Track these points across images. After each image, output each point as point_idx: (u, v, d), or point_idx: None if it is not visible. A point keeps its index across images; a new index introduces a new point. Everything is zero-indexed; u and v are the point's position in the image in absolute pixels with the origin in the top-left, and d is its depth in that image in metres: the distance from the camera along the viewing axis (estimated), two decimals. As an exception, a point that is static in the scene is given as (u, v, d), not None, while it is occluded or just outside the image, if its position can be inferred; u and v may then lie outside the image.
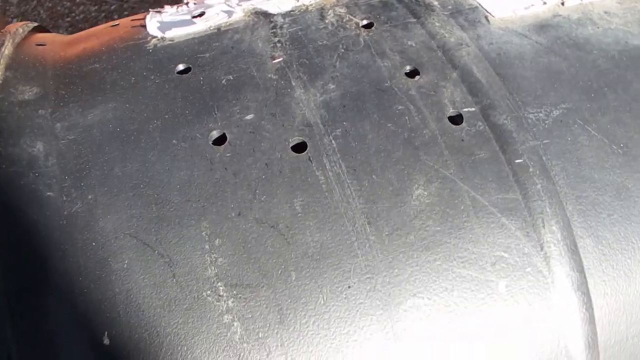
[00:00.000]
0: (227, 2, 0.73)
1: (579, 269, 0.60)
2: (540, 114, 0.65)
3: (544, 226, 0.60)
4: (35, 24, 0.81)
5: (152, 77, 0.65)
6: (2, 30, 0.71)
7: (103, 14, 2.98)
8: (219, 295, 0.53)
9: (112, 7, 3.01)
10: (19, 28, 0.74)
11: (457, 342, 0.57)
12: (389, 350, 0.55)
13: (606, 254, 0.61)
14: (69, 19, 2.98)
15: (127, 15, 2.98)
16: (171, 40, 0.70)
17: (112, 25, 0.76)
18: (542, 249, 0.59)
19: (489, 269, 0.57)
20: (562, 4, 0.75)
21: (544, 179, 0.62)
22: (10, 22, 2.63)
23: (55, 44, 0.74)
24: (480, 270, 0.57)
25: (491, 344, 0.58)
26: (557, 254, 0.60)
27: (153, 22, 0.71)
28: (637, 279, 0.62)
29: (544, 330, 0.59)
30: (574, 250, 0.60)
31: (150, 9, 0.76)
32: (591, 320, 0.60)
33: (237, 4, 0.72)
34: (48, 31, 0.86)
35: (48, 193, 0.55)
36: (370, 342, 0.54)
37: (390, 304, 0.55)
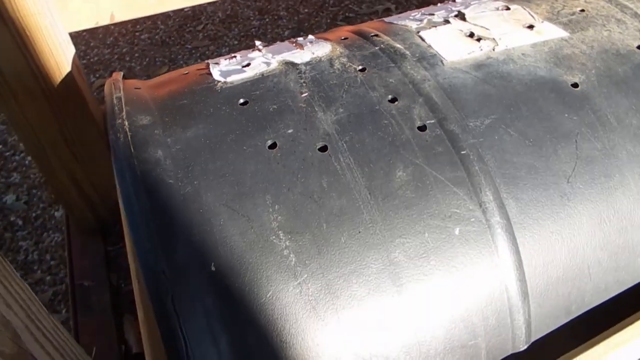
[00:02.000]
0: (265, 56, 0.99)
1: (506, 218, 0.77)
2: (477, 123, 0.83)
3: (481, 192, 0.78)
4: (122, 73, 1.10)
5: (224, 108, 0.85)
6: (114, 79, 0.99)
7: (116, 56, 3.27)
8: (280, 239, 0.71)
9: (124, 50, 3.31)
10: (118, 78, 1.04)
11: (429, 267, 0.73)
12: (386, 271, 0.71)
13: (523, 209, 0.78)
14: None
15: (138, 57, 3.27)
16: (231, 83, 0.90)
17: (184, 73, 1.00)
18: (481, 206, 0.77)
19: (447, 220, 0.75)
20: (494, 49, 0.96)
21: (480, 163, 0.79)
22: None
23: (146, 88, 0.98)
24: (441, 220, 0.75)
25: (451, 268, 0.74)
26: (490, 208, 0.77)
27: (215, 70, 0.96)
28: (544, 225, 0.79)
29: (486, 256, 0.76)
30: (501, 207, 0.77)
31: (207, 61, 1.06)
32: (517, 251, 0.77)
33: (272, 57, 0.97)
34: (127, 78, 1.15)
35: (169, 181, 0.74)
36: (374, 265, 0.71)
37: (386, 242, 0.73)
